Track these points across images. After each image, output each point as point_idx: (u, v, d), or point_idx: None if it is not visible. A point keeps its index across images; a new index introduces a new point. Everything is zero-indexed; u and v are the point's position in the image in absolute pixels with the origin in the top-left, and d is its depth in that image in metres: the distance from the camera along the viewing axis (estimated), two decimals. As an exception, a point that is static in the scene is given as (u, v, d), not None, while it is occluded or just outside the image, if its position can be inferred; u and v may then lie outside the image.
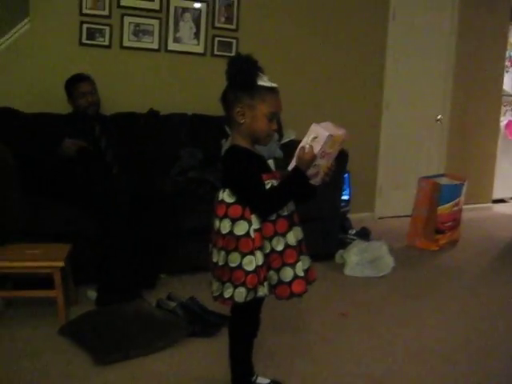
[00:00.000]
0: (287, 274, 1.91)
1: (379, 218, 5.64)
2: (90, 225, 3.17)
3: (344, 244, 4.13)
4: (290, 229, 1.92)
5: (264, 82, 1.86)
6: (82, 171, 3.32)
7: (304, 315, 3.05)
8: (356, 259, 3.83)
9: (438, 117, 5.88)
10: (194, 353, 2.56)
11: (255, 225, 1.86)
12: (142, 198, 3.31)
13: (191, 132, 4.21)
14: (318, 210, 3.88)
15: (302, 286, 1.93)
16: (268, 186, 1.88)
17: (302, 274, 1.92)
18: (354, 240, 4.21)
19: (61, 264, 2.74)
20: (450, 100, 5.90)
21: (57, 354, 2.48)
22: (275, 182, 1.91)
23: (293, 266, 1.91)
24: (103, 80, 3.84)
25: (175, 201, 3.47)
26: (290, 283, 1.92)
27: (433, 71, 5.76)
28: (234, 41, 4.59)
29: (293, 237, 1.92)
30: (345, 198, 4.77)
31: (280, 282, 1.92)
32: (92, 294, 3.10)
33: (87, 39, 4.05)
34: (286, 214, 1.92)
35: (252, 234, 1.85)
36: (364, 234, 4.48)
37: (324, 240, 3.99)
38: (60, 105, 3.63)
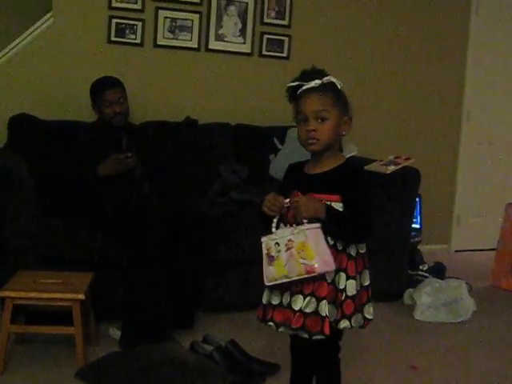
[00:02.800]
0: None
1: (456, 252, 5.56)
2: (115, 251, 3.24)
3: (414, 282, 4.09)
4: None
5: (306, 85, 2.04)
6: (110, 188, 3.40)
7: (366, 367, 3.02)
8: (428, 301, 3.79)
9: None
10: (233, 406, 2.58)
11: None
12: (178, 222, 3.35)
13: (234, 145, 4.26)
14: (383, 241, 3.85)
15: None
16: None
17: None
18: (425, 277, 4.16)
19: (81, 296, 2.79)
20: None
21: (74, 402, 2.54)
22: None
23: None
24: (133, 83, 3.94)
25: (215, 227, 3.50)
26: None
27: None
28: (287, 39, 4.65)
29: None
30: (415, 226, 4.73)
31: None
32: (115, 333, 3.15)
33: (116, 36, 4.17)
34: None
35: None
36: (438, 271, 4.42)
37: (390, 277, 3.95)
38: (85, 111, 3.75)
